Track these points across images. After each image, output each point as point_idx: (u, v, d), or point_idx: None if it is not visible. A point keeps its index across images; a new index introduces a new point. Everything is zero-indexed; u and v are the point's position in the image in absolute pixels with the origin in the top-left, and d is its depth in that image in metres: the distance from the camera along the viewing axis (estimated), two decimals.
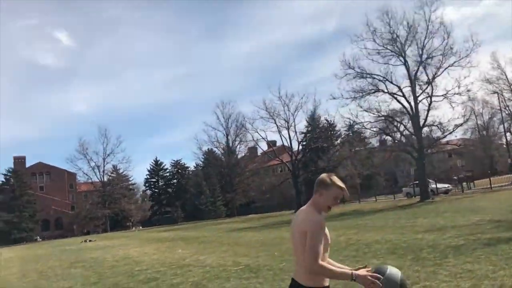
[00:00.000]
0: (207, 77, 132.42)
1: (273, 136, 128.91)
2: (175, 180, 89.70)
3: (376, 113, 35.61)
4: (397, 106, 36.16)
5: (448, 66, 33.68)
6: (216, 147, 76.52)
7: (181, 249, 17.98)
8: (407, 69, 35.12)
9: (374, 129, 37.21)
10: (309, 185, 57.82)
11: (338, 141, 62.64)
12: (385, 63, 35.52)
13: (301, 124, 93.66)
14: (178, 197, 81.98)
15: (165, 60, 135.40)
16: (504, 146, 58.73)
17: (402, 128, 36.56)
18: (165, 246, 21.14)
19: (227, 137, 74.07)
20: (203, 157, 79.78)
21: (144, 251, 19.91)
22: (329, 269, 2.66)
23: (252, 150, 76.11)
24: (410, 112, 34.92)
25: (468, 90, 33.55)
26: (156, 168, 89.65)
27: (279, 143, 67.13)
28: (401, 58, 35.24)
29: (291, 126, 57.27)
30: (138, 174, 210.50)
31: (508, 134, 53.38)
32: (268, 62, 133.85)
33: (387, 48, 35.25)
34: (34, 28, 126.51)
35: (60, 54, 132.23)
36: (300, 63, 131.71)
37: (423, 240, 11.00)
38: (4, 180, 76.78)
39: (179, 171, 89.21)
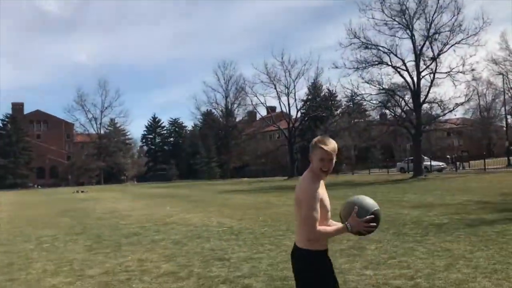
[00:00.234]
0: (212, 36, 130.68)
1: (273, 102, 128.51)
2: (172, 138, 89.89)
3: (377, 86, 35.30)
4: (399, 80, 35.87)
5: (455, 43, 33.22)
6: (215, 109, 76.27)
7: (170, 207, 18.07)
8: (413, 43, 34.64)
9: (374, 102, 36.96)
10: (304, 152, 58.00)
11: (338, 112, 62.30)
12: (391, 35, 34.99)
13: (301, 92, 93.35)
14: (174, 155, 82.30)
15: (170, 17, 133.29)
16: (504, 128, 58.48)
17: (402, 103, 36.30)
18: (154, 203, 21.26)
19: (226, 100, 73.73)
20: (201, 117, 79.60)
21: (133, 206, 20.03)
22: (326, 232, 2.66)
23: (251, 114, 75.77)
24: (412, 87, 34.59)
25: (473, 69, 33.18)
26: (154, 125, 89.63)
27: (279, 110, 66.86)
28: (408, 32, 34.68)
29: (291, 92, 56.99)
30: (136, 130, 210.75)
31: (509, 117, 53.01)
32: (274, 26, 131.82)
33: (395, 20, 34.60)
34: None
35: (64, 2, 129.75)
36: (307, 29, 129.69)
37: (408, 215, 11.00)
38: (1, 125, 76.71)
39: (177, 129, 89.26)
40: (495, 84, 58.85)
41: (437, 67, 34.09)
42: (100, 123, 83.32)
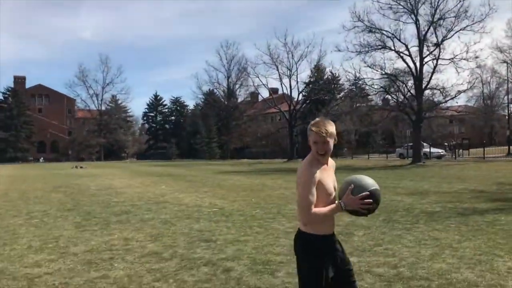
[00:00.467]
0: (216, 15, 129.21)
1: (275, 84, 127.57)
2: (173, 117, 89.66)
3: (379, 70, 35.01)
4: (401, 65, 35.56)
5: (460, 30, 32.85)
6: (216, 89, 75.86)
7: (165, 185, 18.06)
8: (417, 28, 34.28)
9: (375, 87, 36.68)
10: (305, 135, 57.08)
11: (340, 95, 61.91)
12: (395, 20, 34.58)
13: (304, 74, 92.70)
14: (175, 134, 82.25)
15: None
16: (506, 117, 58.13)
17: (405, 89, 36.03)
18: (150, 181, 21.26)
19: (228, 80, 73.27)
20: (202, 97, 79.22)
21: (129, 183, 20.04)
22: (321, 213, 2.62)
23: (253, 96, 75.36)
24: (414, 73, 34.29)
25: (476, 57, 32.83)
26: (156, 103, 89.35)
27: (281, 92, 66.48)
28: (413, 16, 34.29)
29: (293, 75, 56.63)
30: (137, 108, 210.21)
31: (511, 105, 52.58)
32: (278, 7, 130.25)
33: (399, 4, 34.17)
34: None
35: None
36: (311, 11, 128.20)
37: (401, 202, 10.95)
38: (2, 98, 76.54)
39: (178, 108, 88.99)
40: (499, 72, 58.36)
41: (441, 53, 33.85)
42: (102, 99, 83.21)
